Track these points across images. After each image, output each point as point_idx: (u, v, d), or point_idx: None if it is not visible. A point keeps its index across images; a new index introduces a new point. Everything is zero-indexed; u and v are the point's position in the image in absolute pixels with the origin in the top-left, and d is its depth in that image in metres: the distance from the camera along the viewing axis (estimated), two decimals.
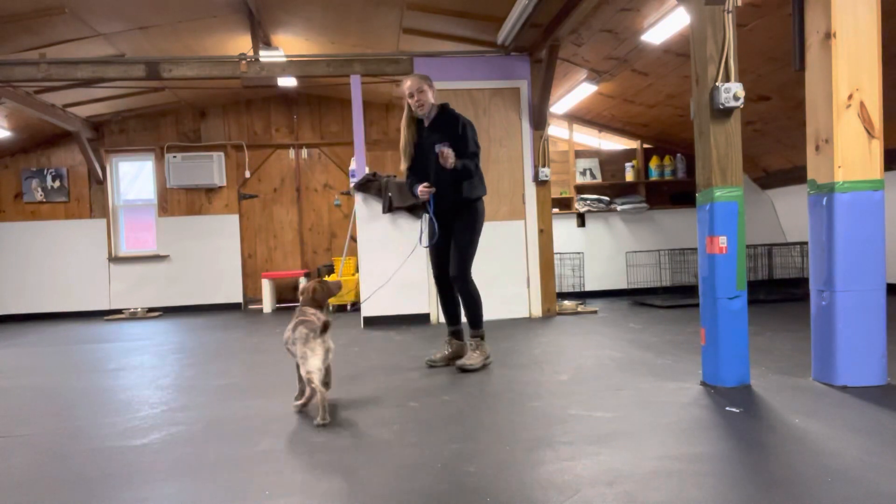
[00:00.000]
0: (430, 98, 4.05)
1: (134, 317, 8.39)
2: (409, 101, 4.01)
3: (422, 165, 4.07)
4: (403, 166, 4.10)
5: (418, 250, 6.32)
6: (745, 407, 2.93)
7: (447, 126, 4.01)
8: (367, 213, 6.36)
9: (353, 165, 6.55)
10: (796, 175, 7.31)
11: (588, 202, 8.22)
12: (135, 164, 9.08)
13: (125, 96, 7.87)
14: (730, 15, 3.25)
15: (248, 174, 9.06)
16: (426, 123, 4.11)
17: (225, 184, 8.94)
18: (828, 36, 3.17)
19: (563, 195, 8.26)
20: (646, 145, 8.43)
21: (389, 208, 6.28)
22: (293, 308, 8.68)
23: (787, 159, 7.32)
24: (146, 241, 9.06)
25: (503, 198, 6.47)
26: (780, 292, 7.32)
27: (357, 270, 7.40)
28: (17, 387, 4.15)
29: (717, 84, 3.22)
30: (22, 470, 2.53)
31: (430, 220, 4.10)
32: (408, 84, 4.02)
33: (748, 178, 8.09)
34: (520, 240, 6.51)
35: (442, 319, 6.38)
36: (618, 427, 2.71)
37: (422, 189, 3.97)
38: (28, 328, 7.66)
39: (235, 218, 8.99)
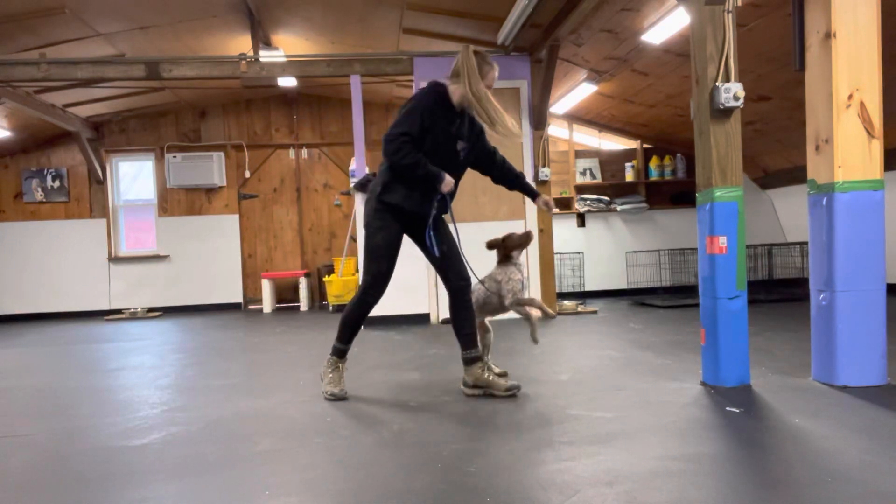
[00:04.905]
0: None
1: (134, 317, 8.39)
2: (488, 89, 3.38)
3: (444, 153, 3.54)
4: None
5: (415, 251, 6.32)
6: (745, 407, 2.92)
7: (475, 123, 3.59)
8: None
9: (353, 165, 6.55)
10: (796, 175, 7.31)
11: (588, 202, 8.23)
12: (135, 164, 9.08)
13: (125, 96, 7.87)
14: (730, 15, 3.25)
15: (248, 174, 9.06)
16: (458, 113, 3.50)
17: (225, 184, 8.94)
18: (828, 36, 3.17)
19: (563, 195, 8.26)
20: (646, 145, 8.43)
21: None
22: (293, 308, 8.69)
23: (787, 159, 7.32)
24: (146, 241, 9.05)
25: (503, 198, 6.47)
26: (780, 292, 7.32)
27: (357, 270, 7.39)
28: (17, 387, 4.15)
29: (717, 84, 3.22)
30: (22, 470, 2.52)
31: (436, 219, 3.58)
32: (496, 75, 3.46)
33: (748, 178, 8.09)
34: None
35: (444, 318, 6.37)
36: (618, 427, 2.71)
37: (449, 182, 3.46)
38: (28, 328, 7.66)
39: (235, 218, 8.99)
